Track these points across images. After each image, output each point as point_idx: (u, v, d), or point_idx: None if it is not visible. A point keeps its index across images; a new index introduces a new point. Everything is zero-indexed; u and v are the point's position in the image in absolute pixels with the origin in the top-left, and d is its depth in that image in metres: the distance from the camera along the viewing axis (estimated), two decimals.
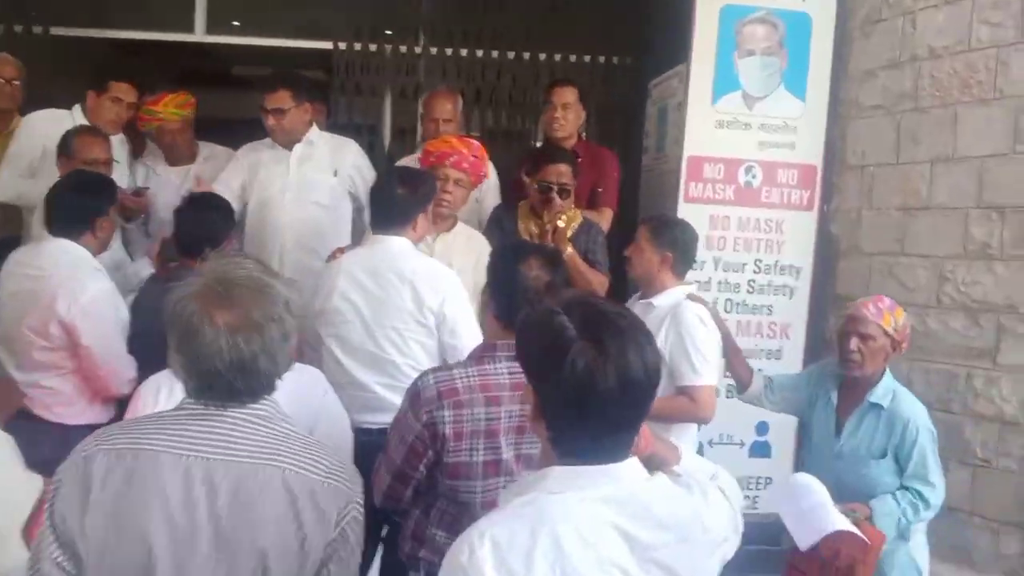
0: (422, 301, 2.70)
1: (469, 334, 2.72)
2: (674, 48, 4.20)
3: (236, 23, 5.34)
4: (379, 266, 2.76)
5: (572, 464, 1.25)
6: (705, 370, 2.78)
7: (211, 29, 5.16)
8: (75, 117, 3.67)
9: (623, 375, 1.21)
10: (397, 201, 2.83)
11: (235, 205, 3.74)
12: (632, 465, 1.28)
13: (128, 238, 3.94)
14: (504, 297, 2.06)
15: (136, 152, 4.15)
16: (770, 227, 3.92)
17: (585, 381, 1.20)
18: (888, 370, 2.67)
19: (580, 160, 3.72)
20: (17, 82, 3.89)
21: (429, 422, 1.95)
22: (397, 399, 2.16)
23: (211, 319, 1.38)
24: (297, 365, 2.54)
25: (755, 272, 3.91)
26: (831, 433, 2.70)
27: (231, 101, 5.64)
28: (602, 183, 3.90)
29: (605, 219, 3.77)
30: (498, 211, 3.76)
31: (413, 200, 2.83)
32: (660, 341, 2.77)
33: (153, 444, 1.39)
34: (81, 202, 2.84)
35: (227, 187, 3.74)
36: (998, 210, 3.29)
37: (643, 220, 3.05)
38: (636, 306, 2.97)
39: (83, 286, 2.73)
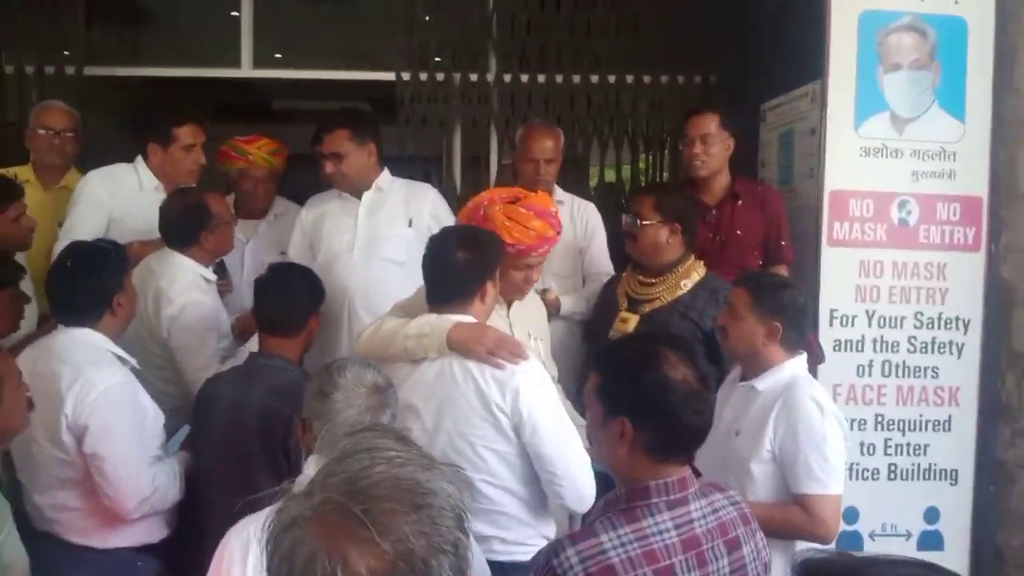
0: (488, 398, 2.13)
1: (557, 437, 2.16)
2: (793, 64, 3.60)
3: (278, 55, 4.87)
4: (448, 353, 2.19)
5: None
6: (828, 475, 2.17)
7: (257, 63, 4.67)
8: (139, 172, 3.18)
9: None
10: (458, 269, 2.27)
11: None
12: None
13: None
14: (663, 424, 1.51)
15: None
16: (931, 272, 3.27)
17: None
18: None
19: (741, 203, 3.22)
20: (70, 134, 3.40)
21: None
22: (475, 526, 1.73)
23: (345, 564, 0.80)
24: None
25: (916, 327, 3.26)
26: None
27: (272, 136, 5.24)
28: (775, 231, 3.32)
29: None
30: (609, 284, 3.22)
31: (479, 266, 2.27)
32: (768, 434, 2.21)
33: None
34: (91, 282, 2.32)
35: (299, 255, 3.25)
36: None
37: (739, 281, 2.45)
38: (735, 390, 2.38)
39: (92, 382, 2.22)
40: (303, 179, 3.82)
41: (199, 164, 3.21)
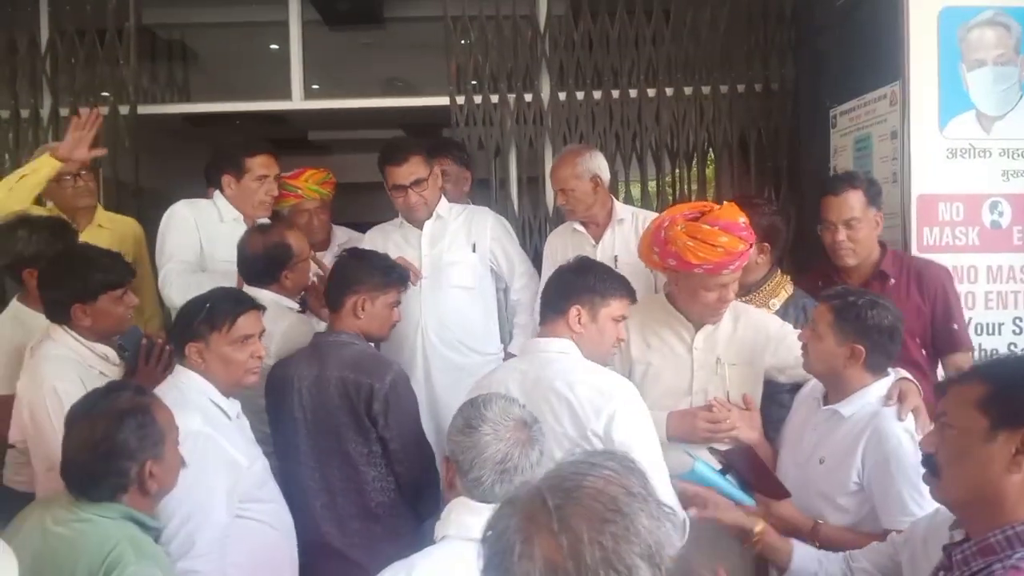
0: (584, 424, 2.06)
1: (652, 468, 2.04)
2: (866, 66, 3.49)
3: (315, 86, 4.85)
4: (539, 378, 2.17)
5: None
6: (923, 509, 1.99)
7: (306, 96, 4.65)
8: (218, 205, 3.14)
9: None
10: (556, 284, 2.31)
11: None
12: None
13: None
14: None
15: None
16: None
17: None
18: None
19: (892, 283, 2.85)
20: (86, 171, 3.35)
21: None
22: None
23: (529, 548, 0.95)
24: None
25: (1015, 333, 3.11)
26: None
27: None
28: (943, 313, 2.85)
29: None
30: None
31: (578, 283, 2.28)
32: (856, 465, 2.07)
33: None
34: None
35: None
36: None
37: (823, 297, 2.27)
38: (818, 414, 2.23)
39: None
40: (348, 207, 3.79)
41: (272, 195, 3.16)
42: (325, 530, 2.42)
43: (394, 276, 2.62)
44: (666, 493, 2.09)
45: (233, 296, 2.33)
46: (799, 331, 2.51)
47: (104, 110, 4.30)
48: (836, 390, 2.21)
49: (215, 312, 2.22)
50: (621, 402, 2.10)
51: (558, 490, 0.98)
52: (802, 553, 1.96)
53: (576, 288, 2.27)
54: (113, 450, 1.73)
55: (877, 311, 2.16)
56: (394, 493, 2.45)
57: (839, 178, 2.94)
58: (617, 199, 3.48)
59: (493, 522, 1.01)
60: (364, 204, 4.42)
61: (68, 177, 3.24)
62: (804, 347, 2.26)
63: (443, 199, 3.31)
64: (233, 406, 2.26)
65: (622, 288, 2.31)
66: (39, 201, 3.21)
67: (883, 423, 2.08)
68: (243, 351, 2.23)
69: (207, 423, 2.13)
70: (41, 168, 2.99)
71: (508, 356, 3.26)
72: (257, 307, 2.32)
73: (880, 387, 2.16)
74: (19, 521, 1.81)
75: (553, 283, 2.34)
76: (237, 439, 2.19)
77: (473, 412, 1.73)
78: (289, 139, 6.71)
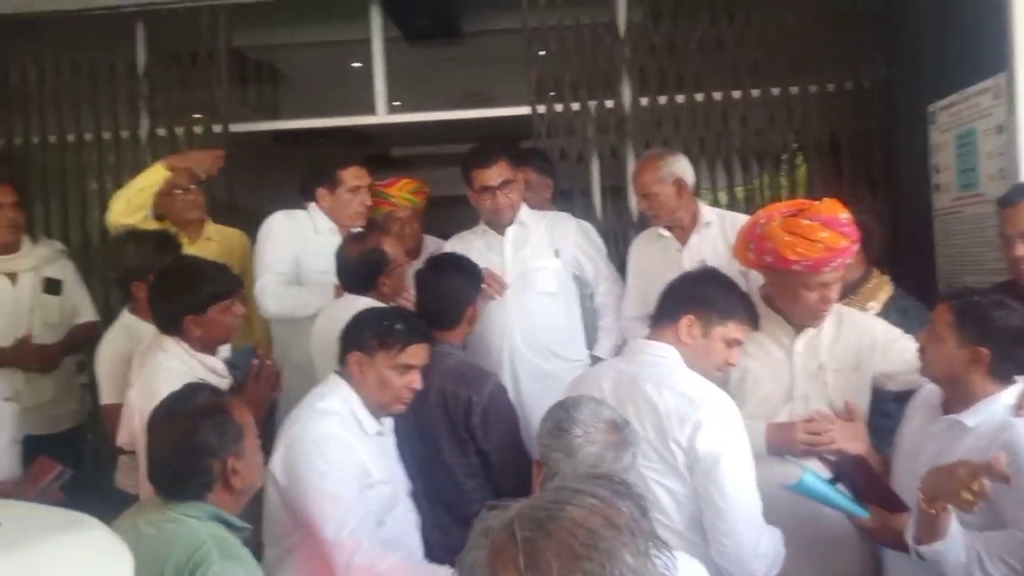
0: (666, 430, 1.99)
1: (733, 487, 1.97)
2: (966, 59, 3.35)
3: (396, 103, 4.92)
4: (634, 379, 2.12)
5: None
6: None
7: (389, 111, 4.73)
8: (313, 216, 3.23)
9: None
10: (674, 290, 2.26)
11: None
12: None
13: None
14: None
15: None
16: None
17: None
18: None
19: None
20: (195, 186, 3.48)
21: None
22: None
23: None
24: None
25: None
26: None
27: None
28: None
29: None
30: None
31: (697, 294, 2.22)
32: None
33: None
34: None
35: None
36: None
37: (945, 297, 2.12)
38: (938, 423, 2.07)
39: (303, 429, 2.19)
40: (431, 221, 3.84)
41: (366, 206, 3.23)
42: (424, 539, 2.42)
43: (482, 274, 2.75)
44: (754, 512, 2.02)
45: (412, 323, 2.35)
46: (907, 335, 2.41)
47: (198, 130, 4.49)
48: (957, 398, 2.06)
49: (391, 332, 2.25)
50: (709, 411, 2.01)
51: (529, 520, 0.90)
52: (957, 532, 1.81)
53: (694, 298, 2.20)
54: (194, 448, 1.78)
55: (1004, 312, 2.00)
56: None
57: (1016, 188, 2.68)
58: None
59: (467, 552, 0.94)
60: (446, 218, 4.47)
61: (179, 191, 3.39)
62: (921, 349, 2.13)
63: (524, 205, 3.32)
64: (373, 424, 2.28)
65: (744, 312, 2.21)
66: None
67: (1016, 435, 1.91)
68: (402, 378, 2.26)
69: (343, 430, 2.19)
70: (151, 177, 3.22)
71: (595, 360, 3.22)
72: (431, 341, 2.35)
73: (1008, 395, 2.00)
74: (117, 524, 1.87)
75: (672, 289, 2.27)
76: (375, 452, 2.23)
77: (563, 415, 1.71)
78: (374, 156, 6.85)
